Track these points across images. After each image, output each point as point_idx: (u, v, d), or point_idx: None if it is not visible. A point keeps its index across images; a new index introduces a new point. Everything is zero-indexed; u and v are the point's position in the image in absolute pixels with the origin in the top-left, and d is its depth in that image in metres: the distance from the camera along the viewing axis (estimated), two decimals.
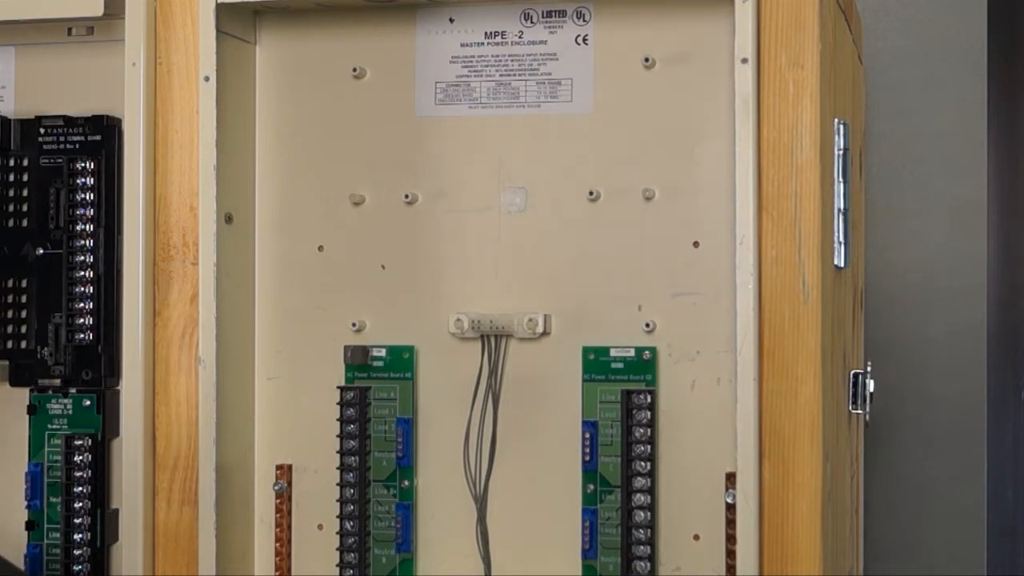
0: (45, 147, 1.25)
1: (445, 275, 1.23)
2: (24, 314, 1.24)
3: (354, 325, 1.25)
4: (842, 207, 1.21)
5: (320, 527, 1.25)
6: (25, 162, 1.25)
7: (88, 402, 1.24)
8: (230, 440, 1.23)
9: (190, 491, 1.21)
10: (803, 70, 1.12)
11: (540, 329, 1.20)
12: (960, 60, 1.87)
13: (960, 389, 1.86)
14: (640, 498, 1.17)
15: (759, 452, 1.12)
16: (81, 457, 1.23)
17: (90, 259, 1.24)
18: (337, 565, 1.23)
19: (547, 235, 1.22)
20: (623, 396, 1.18)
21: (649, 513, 1.17)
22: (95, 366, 1.24)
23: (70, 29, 1.27)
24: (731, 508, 1.14)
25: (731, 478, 1.15)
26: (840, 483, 1.30)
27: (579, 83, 1.21)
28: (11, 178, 1.25)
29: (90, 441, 1.24)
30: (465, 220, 1.23)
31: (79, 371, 1.24)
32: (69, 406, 1.25)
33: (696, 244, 1.19)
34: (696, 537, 1.19)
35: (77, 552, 1.23)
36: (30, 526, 1.25)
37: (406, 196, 1.24)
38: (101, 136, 1.24)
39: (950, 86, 1.87)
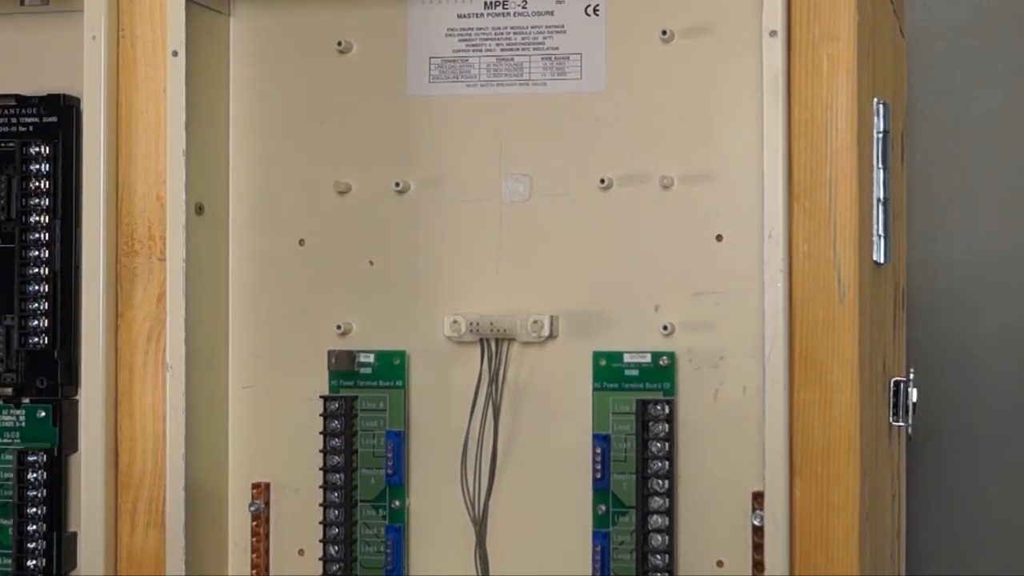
0: None
1: (440, 272, 1.24)
2: None
3: (339, 328, 1.25)
4: (882, 196, 1.21)
5: (301, 552, 1.26)
6: None
7: (43, 413, 1.25)
8: (201, 456, 1.23)
9: (156, 512, 1.22)
10: (838, 43, 1.13)
11: (546, 332, 1.21)
12: (1014, 31, 1.88)
13: (1015, 398, 1.88)
14: (657, 520, 1.18)
15: (789, 469, 1.13)
16: (35, 475, 1.24)
17: (45, 254, 1.24)
18: None
19: (553, 227, 1.22)
20: (638, 407, 1.18)
21: (667, 537, 1.18)
22: (51, 373, 1.24)
23: None
24: (758, 531, 1.15)
25: (758, 498, 1.15)
26: (880, 503, 1.30)
27: (589, 58, 1.22)
28: None
29: (45, 457, 1.24)
30: (462, 211, 1.24)
31: (33, 379, 1.25)
32: (22, 418, 1.25)
33: (719, 238, 1.19)
34: (720, 563, 1.19)
35: None
36: None
37: (397, 184, 1.24)
38: (58, 117, 1.25)
39: (1003, 61, 1.89)
